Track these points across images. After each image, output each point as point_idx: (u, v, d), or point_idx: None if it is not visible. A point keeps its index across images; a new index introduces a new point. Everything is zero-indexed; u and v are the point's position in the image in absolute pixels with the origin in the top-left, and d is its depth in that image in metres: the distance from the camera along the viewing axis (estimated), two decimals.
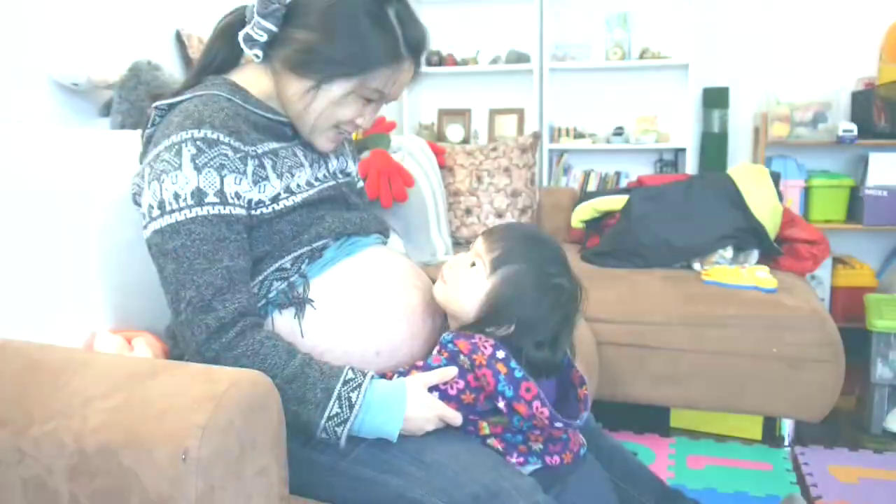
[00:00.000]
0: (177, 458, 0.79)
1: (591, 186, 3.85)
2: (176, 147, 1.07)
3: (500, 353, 1.06)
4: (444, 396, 1.07)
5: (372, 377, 1.06)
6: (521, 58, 3.85)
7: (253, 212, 1.12)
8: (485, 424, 1.11)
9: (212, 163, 1.07)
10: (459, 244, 3.01)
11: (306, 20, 1.12)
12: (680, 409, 2.38)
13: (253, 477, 0.86)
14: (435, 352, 1.12)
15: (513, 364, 1.06)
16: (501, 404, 1.05)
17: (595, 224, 2.88)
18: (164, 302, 1.31)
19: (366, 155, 2.47)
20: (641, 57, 3.73)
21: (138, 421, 0.83)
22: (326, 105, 1.15)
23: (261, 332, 1.06)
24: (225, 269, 1.06)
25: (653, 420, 2.45)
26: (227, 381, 0.86)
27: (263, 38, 1.14)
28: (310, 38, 1.11)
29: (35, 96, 1.74)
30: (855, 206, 3.39)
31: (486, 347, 1.07)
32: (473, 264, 1.15)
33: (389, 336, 1.14)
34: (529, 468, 1.12)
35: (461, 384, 1.07)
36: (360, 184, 1.40)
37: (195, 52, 2.32)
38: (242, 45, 1.16)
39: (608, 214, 2.82)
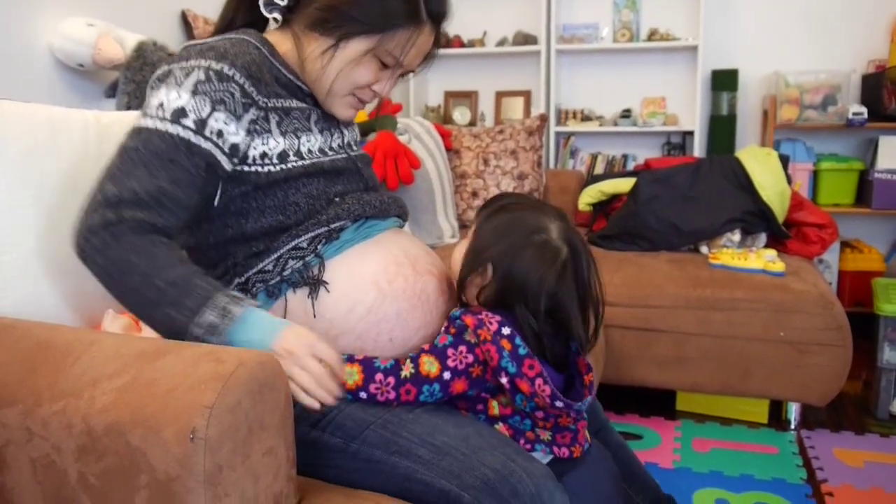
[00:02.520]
0: (185, 438, 0.79)
1: (599, 169, 3.83)
2: (188, 69, 1.07)
3: (506, 330, 1.06)
4: (455, 372, 1.07)
5: (253, 312, 1.02)
6: (529, 39, 3.82)
7: (259, 168, 1.11)
8: (494, 404, 1.11)
9: (212, 94, 1.06)
10: (466, 227, 3.01)
11: None
12: (686, 392, 2.38)
13: (261, 457, 0.86)
14: (443, 329, 1.12)
15: (518, 341, 1.06)
16: (504, 380, 1.05)
17: (602, 207, 2.87)
18: None
19: (372, 137, 2.46)
20: (650, 39, 3.70)
21: (146, 401, 0.83)
22: (343, 65, 1.14)
23: (164, 239, 1.02)
24: (157, 188, 1.02)
25: (659, 403, 2.45)
26: (235, 361, 0.85)
27: (284, 1, 1.14)
28: None
29: (40, 77, 1.74)
30: (864, 189, 3.37)
31: (491, 323, 1.06)
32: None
33: (403, 323, 1.13)
34: (537, 456, 1.12)
35: (470, 358, 1.07)
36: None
37: (201, 32, 2.31)
38: (263, 10, 1.16)
39: (615, 197, 2.81)
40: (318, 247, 1.13)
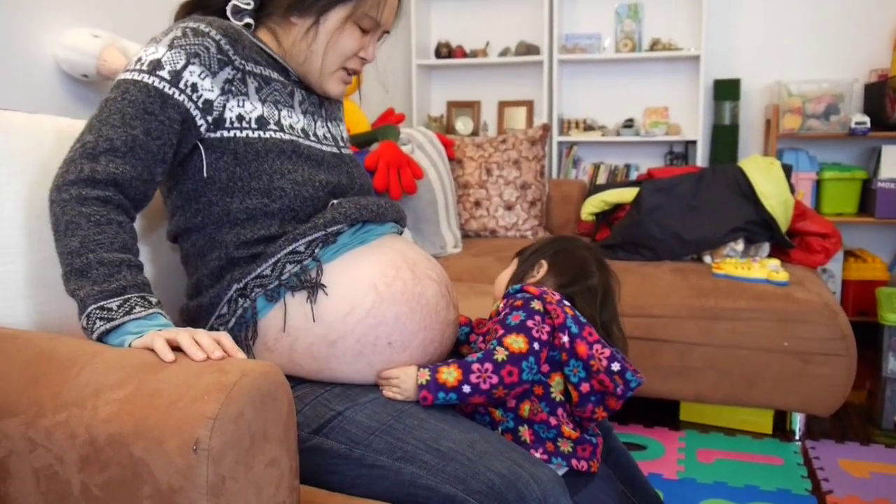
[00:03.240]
0: (188, 449, 0.79)
1: (601, 179, 3.83)
2: (168, 30, 1.15)
3: (567, 302, 1.17)
4: (541, 343, 1.11)
5: (159, 316, 1.01)
6: (531, 49, 3.83)
7: (237, 132, 1.15)
8: (527, 406, 1.13)
9: (188, 48, 1.11)
10: (468, 236, 3.01)
11: None
12: (690, 402, 2.37)
13: (263, 468, 0.86)
14: (503, 306, 1.18)
15: (577, 313, 1.16)
16: (565, 338, 1.12)
17: (605, 217, 2.87)
18: (177, 290, 1.32)
19: (375, 147, 2.47)
20: (652, 49, 3.71)
21: (149, 411, 0.83)
22: (328, 39, 1.19)
23: (120, 215, 1.06)
24: (132, 137, 1.07)
25: (662, 413, 2.44)
26: (238, 372, 0.85)
27: (251, 5, 1.21)
28: None
29: (44, 88, 1.75)
30: (867, 198, 3.36)
31: (553, 294, 1.17)
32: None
33: (402, 326, 1.13)
34: (556, 462, 1.12)
35: (547, 328, 1.13)
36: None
37: None
38: (231, 19, 1.21)
39: (618, 207, 2.81)
40: (316, 250, 1.14)
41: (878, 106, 3.27)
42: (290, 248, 1.13)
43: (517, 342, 1.09)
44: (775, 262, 2.32)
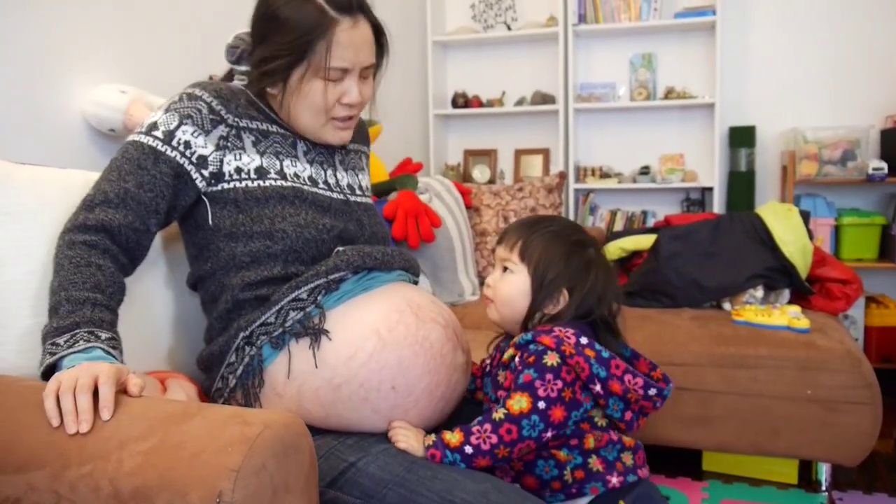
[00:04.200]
0: (211, 502, 0.79)
1: (618, 226, 3.84)
2: (173, 96, 1.26)
3: (584, 340, 1.13)
4: (548, 401, 1.09)
5: (97, 350, 1.01)
6: (547, 98, 3.88)
7: (237, 183, 1.22)
8: (591, 438, 1.14)
9: (181, 110, 1.22)
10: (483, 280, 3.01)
11: (252, 41, 1.28)
12: (712, 451, 2.33)
13: None
14: (516, 359, 1.15)
15: (597, 346, 1.13)
16: (598, 387, 1.11)
17: (623, 264, 2.87)
18: (193, 342, 1.35)
19: (393, 196, 2.50)
20: (666, 97, 3.75)
21: (173, 464, 0.84)
22: (300, 99, 1.25)
23: (103, 258, 1.12)
24: (123, 190, 1.16)
25: (685, 463, 2.40)
26: (261, 424, 0.86)
27: (244, 80, 1.32)
28: (256, 54, 1.25)
29: (73, 142, 1.79)
30: (887, 244, 3.34)
31: (569, 337, 1.12)
32: (505, 269, 1.24)
33: (405, 371, 1.13)
34: (631, 479, 1.15)
35: (559, 384, 1.10)
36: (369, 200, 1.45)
37: None
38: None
39: (635, 254, 2.81)
40: (318, 297, 1.17)
41: (895, 151, 3.27)
42: (293, 295, 1.16)
43: (520, 402, 1.09)
44: (796, 309, 2.31)
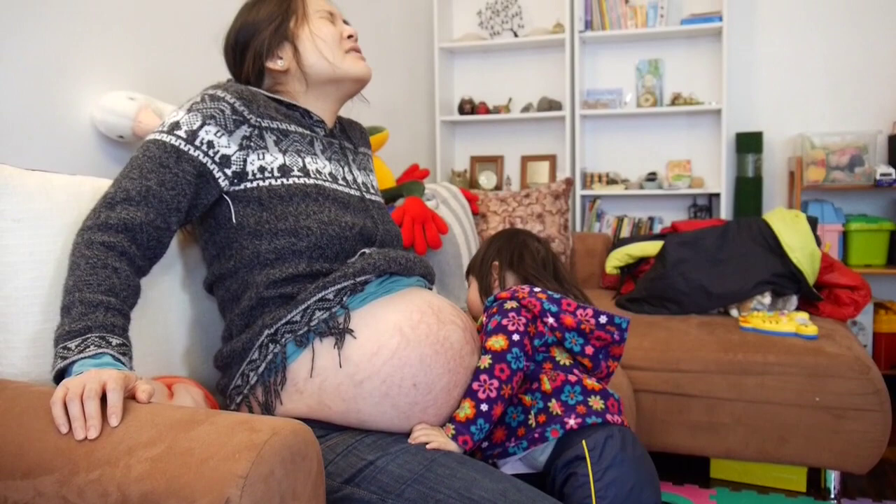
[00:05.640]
0: None
1: (625, 232, 3.84)
2: (194, 97, 1.28)
3: (536, 288, 1.30)
4: (519, 333, 1.22)
5: (106, 356, 1.01)
6: (553, 105, 3.88)
7: (260, 182, 1.24)
8: (545, 378, 1.23)
9: (204, 111, 1.24)
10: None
11: (233, 60, 1.41)
12: (720, 458, 2.32)
13: None
14: (486, 318, 1.28)
15: (548, 292, 1.30)
16: (551, 320, 1.25)
17: (629, 270, 2.87)
18: (207, 345, 1.35)
19: (400, 203, 2.50)
20: (673, 103, 3.75)
21: (181, 470, 0.84)
22: (315, 41, 1.35)
23: (120, 261, 1.12)
24: (146, 188, 1.17)
25: (692, 470, 2.40)
26: (269, 430, 0.86)
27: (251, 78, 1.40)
28: (248, 55, 1.36)
29: (83, 149, 1.80)
30: (895, 249, 3.33)
31: (523, 288, 1.31)
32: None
33: (427, 368, 1.15)
34: (590, 421, 1.19)
35: (523, 319, 1.24)
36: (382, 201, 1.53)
37: None
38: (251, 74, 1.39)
39: (642, 260, 2.81)
40: (344, 298, 1.18)
41: None
42: (320, 295, 1.18)
43: (497, 342, 1.22)
44: (804, 316, 2.30)
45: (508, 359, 1.20)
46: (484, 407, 1.16)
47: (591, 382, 1.24)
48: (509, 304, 1.26)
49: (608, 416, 1.20)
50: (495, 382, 1.18)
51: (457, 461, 1.09)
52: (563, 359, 1.28)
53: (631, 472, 1.16)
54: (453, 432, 1.15)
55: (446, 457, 1.10)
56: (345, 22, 1.42)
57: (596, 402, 1.22)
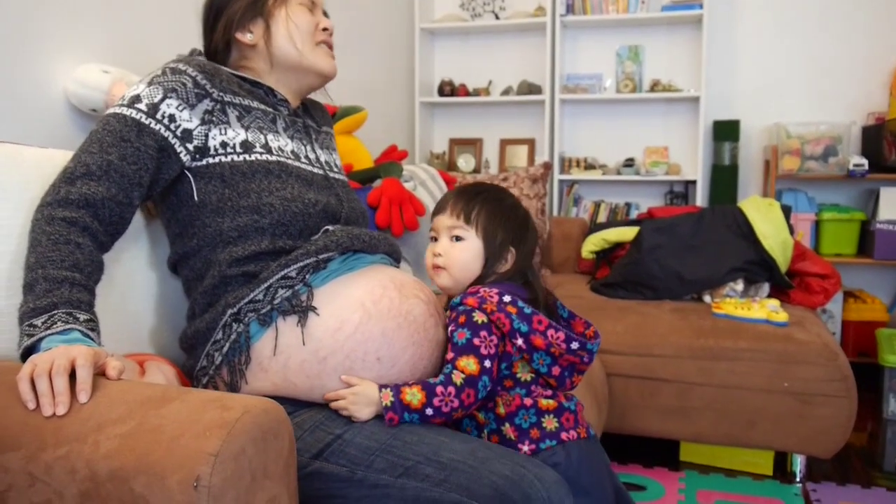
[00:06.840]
0: (189, 486, 0.79)
1: (602, 217, 3.85)
2: (155, 70, 1.26)
3: (507, 298, 1.18)
4: (490, 358, 1.14)
5: (75, 332, 1.00)
6: (533, 89, 3.88)
7: (222, 157, 1.23)
8: (500, 403, 1.18)
9: (165, 84, 1.22)
10: None
11: (208, 26, 1.38)
12: (689, 442, 2.36)
13: None
14: (450, 320, 1.20)
15: (520, 304, 1.18)
16: (520, 341, 1.16)
17: (605, 255, 2.88)
18: (175, 324, 1.34)
19: (377, 184, 2.49)
20: (652, 89, 3.76)
21: (150, 447, 0.83)
22: (288, 24, 1.32)
23: (82, 237, 1.10)
24: (106, 162, 1.15)
25: (662, 453, 2.43)
26: (241, 409, 0.86)
27: (217, 53, 1.38)
28: (220, 22, 1.34)
29: (55, 122, 1.77)
30: (866, 240, 3.38)
31: (492, 297, 1.18)
32: (455, 238, 1.27)
33: (389, 342, 1.16)
34: (544, 446, 1.16)
35: (494, 339, 1.16)
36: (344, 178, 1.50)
37: None
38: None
39: (618, 245, 2.83)
40: (307, 276, 1.18)
41: (876, 148, 3.30)
42: (283, 273, 1.17)
43: (469, 364, 1.14)
44: (775, 303, 2.33)
45: (479, 386, 1.14)
46: (429, 412, 1.11)
47: (545, 402, 1.20)
48: (478, 318, 1.16)
49: (563, 435, 1.18)
50: (456, 402, 1.12)
51: (424, 427, 1.11)
52: (524, 374, 1.21)
53: (589, 491, 1.16)
54: (389, 402, 1.10)
55: (412, 424, 1.11)
56: (325, 14, 1.41)
57: (550, 423, 1.19)
